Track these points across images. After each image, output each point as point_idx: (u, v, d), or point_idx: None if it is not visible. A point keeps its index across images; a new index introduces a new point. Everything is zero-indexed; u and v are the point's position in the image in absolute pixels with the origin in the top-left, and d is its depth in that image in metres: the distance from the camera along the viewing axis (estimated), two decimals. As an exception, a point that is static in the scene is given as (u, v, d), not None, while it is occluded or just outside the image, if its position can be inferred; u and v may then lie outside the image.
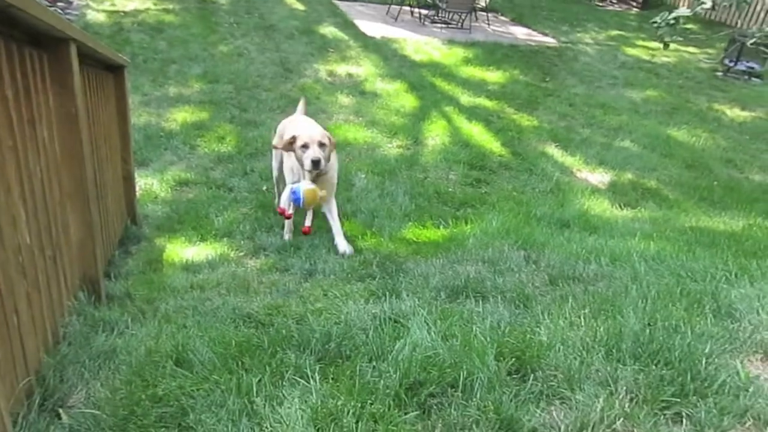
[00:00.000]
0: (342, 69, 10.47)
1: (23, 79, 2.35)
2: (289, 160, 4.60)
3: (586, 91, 11.21)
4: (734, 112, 11.08)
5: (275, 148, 5.06)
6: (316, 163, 4.18)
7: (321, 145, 4.23)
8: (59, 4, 10.85)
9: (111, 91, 4.67)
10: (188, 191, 6.15)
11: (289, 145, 4.29)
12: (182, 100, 8.56)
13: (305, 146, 4.21)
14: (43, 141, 2.65)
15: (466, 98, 9.96)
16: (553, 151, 8.49)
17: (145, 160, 6.73)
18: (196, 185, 6.25)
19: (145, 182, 6.11)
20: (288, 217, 4.50)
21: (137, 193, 5.34)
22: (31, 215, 2.40)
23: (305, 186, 4.17)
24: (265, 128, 7.96)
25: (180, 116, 8.00)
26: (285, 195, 4.35)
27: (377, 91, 9.76)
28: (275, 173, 5.48)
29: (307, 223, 4.89)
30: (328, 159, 4.31)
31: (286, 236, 4.86)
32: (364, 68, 10.62)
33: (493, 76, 11.17)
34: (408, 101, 9.40)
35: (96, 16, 10.97)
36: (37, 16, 2.23)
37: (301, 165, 4.29)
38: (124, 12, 11.46)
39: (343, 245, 4.40)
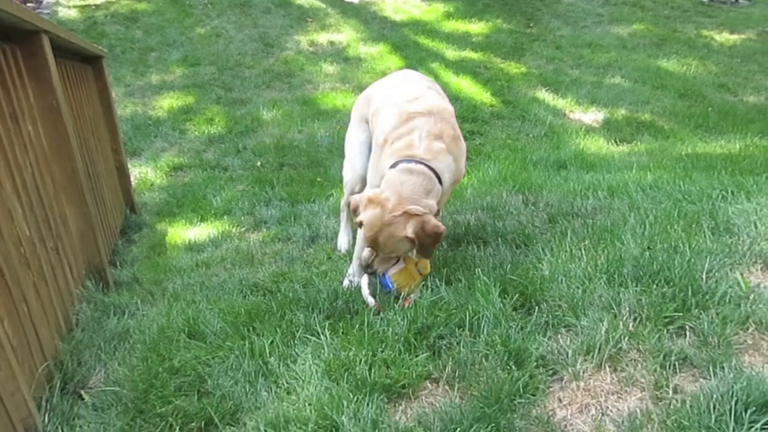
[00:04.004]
0: (323, 38, 10.34)
1: (-1, 73, 2.35)
2: (377, 156, 2.86)
3: (571, 33, 11.07)
4: (723, 37, 10.94)
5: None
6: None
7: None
8: (29, 4, 10.68)
9: (92, 83, 4.65)
10: (183, 175, 6.16)
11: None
12: (166, 86, 8.50)
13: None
14: (29, 135, 2.66)
15: (451, 53, 9.85)
16: (544, 95, 8.43)
17: (137, 149, 6.72)
18: (190, 168, 6.26)
19: (140, 171, 6.12)
20: (377, 309, 2.57)
21: (133, 183, 5.34)
22: (27, 208, 2.42)
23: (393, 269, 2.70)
24: (253, 105, 7.92)
25: (166, 103, 7.95)
26: (365, 282, 2.70)
27: (361, 56, 9.66)
28: (356, 173, 3.28)
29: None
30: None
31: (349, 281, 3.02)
32: (345, 34, 10.48)
33: (476, 27, 11.02)
34: (393, 62, 9.30)
35: (68, 13, 10.80)
36: (2, 8, 2.21)
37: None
38: (95, 5, 11.27)
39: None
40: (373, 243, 2.57)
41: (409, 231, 2.47)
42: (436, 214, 2.73)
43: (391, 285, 2.66)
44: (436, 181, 2.63)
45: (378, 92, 3.19)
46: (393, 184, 2.56)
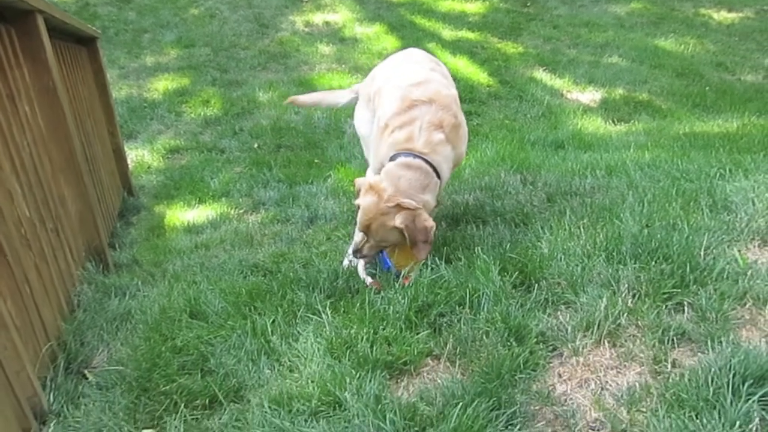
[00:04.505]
0: (318, 18, 10.23)
1: (-6, 53, 2.33)
2: (378, 140, 2.90)
3: (569, 12, 10.97)
4: (721, 15, 10.87)
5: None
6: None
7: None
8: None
9: (87, 65, 4.61)
10: (180, 158, 6.14)
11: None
12: (160, 68, 8.42)
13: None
14: (26, 116, 2.65)
15: (448, 32, 9.77)
16: (542, 75, 8.39)
17: (133, 132, 6.69)
18: (187, 151, 6.23)
19: (136, 154, 6.09)
20: (377, 288, 2.60)
21: (130, 166, 5.33)
22: (27, 189, 2.42)
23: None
24: (249, 87, 7.86)
25: (161, 85, 7.89)
26: (361, 263, 2.81)
27: (357, 37, 9.57)
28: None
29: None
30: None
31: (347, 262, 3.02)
32: (340, 14, 10.37)
33: (473, 6, 10.91)
34: (389, 42, 9.23)
35: (60, -7, 10.65)
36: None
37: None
38: (88, -15, 11.11)
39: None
40: (366, 229, 2.65)
41: (398, 221, 2.55)
42: (436, 207, 2.80)
43: (390, 263, 2.73)
44: (434, 175, 2.70)
45: (381, 72, 3.22)
46: (391, 177, 2.63)
